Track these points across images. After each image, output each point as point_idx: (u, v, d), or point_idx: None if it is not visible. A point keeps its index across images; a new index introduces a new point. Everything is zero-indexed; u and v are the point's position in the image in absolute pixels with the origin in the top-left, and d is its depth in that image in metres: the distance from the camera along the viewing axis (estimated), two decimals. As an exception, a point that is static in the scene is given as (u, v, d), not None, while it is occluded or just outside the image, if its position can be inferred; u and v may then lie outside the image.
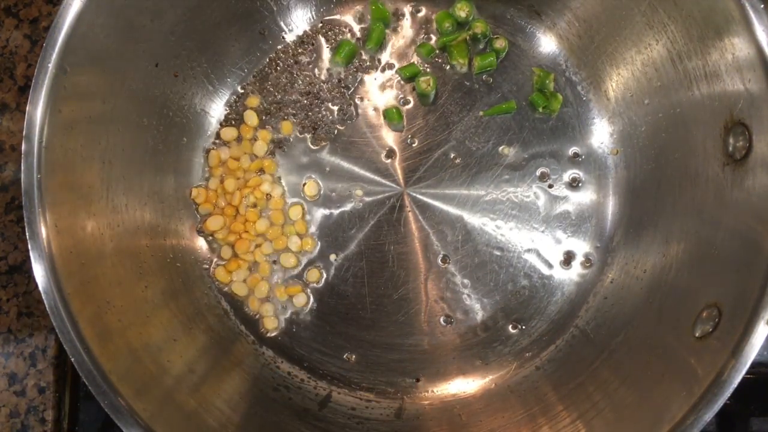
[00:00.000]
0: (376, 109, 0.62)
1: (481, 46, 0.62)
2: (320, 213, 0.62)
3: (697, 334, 0.48)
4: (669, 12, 0.53)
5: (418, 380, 0.60)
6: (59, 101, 0.48)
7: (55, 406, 0.60)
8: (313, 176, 0.62)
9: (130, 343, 0.51)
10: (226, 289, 0.61)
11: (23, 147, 0.47)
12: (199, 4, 0.57)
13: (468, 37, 0.62)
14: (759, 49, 0.47)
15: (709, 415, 0.45)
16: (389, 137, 0.62)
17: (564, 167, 0.62)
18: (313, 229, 0.62)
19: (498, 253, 0.61)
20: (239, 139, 0.62)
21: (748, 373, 0.44)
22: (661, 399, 0.48)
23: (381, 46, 0.62)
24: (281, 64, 0.63)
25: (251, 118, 0.62)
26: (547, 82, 0.61)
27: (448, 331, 0.61)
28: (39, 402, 0.60)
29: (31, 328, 0.61)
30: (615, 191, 0.61)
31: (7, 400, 0.60)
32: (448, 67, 0.62)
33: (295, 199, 0.62)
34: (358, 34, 0.63)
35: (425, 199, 0.62)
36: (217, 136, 0.62)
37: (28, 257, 0.47)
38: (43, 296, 0.47)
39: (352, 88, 0.62)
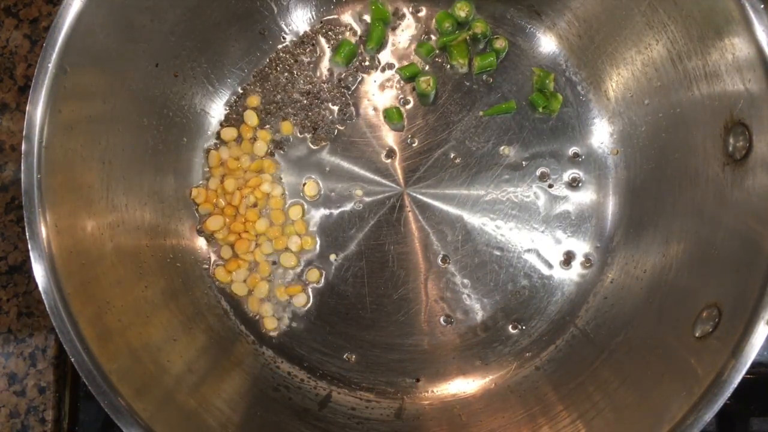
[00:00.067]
0: (376, 109, 0.62)
1: (481, 46, 0.62)
2: (320, 213, 0.62)
3: (697, 334, 0.48)
4: (669, 12, 0.53)
5: (418, 380, 0.60)
6: (59, 101, 0.48)
7: (55, 406, 0.60)
8: (313, 176, 0.62)
9: (130, 343, 0.51)
10: (226, 289, 0.61)
11: (23, 147, 0.47)
12: (199, 4, 0.57)
13: (468, 37, 0.62)
14: (759, 49, 0.47)
15: (709, 415, 0.45)
16: (389, 137, 0.62)
17: (564, 167, 0.62)
18: (313, 229, 0.62)
19: (498, 253, 0.61)
20: (239, 139, 0.62)
21: (748, 373, 0.44)
22: (661, 399, 0.48)
23: (381, 46, 0.62)
24: (281, 64, 0.63)
25: (251, 118, 0.62)
26: (547, 82, 0.61)
27: (448, 331, 0.61)
28: (39, 402, 0.60)
29: (31, 328, 0.61)
30: (615, 191, 0.61)
31: (7, 400, 0.60)
32: (448, 67, 0.62)
33: (295, 199, 0.62)
34: (358, 34, 0.63)
35: (425, 199, 0.62)
36: (217, 136, 0.62)
37: (28, 257, 0.47)
38: (43, 296, 0.47)
39: (352, 88, 0.62)
